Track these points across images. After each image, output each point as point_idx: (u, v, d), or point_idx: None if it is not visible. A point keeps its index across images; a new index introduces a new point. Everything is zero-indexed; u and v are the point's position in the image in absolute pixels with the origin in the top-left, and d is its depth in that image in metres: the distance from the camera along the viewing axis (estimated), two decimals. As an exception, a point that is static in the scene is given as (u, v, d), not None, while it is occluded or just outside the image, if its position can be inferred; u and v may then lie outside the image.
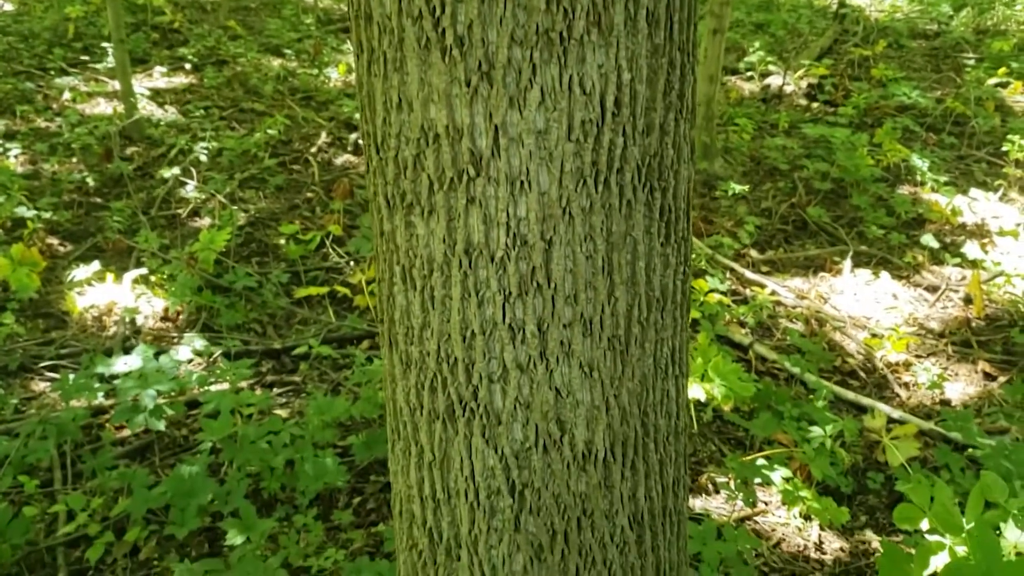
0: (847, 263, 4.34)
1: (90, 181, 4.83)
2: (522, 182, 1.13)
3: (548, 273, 1.17)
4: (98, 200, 4.72)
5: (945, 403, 3.36)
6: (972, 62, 7.80)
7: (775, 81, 7.11)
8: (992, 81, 6.87)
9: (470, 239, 1.16)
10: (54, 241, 4.25)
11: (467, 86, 1.09)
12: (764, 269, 4.34)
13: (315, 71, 7.14)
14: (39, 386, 3.19)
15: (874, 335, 3.74)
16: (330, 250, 4.24)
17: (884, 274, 4.24)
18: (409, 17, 1.08)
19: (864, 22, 9.28)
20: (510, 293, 1.18)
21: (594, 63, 1.09)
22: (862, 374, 3.52)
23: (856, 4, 10.02)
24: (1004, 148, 5.41)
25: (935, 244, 4.49)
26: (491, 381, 1.23)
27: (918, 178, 5.22)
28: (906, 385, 3.47)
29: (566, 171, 1.13)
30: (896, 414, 3.15)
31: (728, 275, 4.16)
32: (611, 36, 1.08)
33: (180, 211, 4.59)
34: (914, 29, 9.18)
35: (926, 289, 4.21)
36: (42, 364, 3.27)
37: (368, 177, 1.28)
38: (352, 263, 4.14)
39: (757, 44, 7.92)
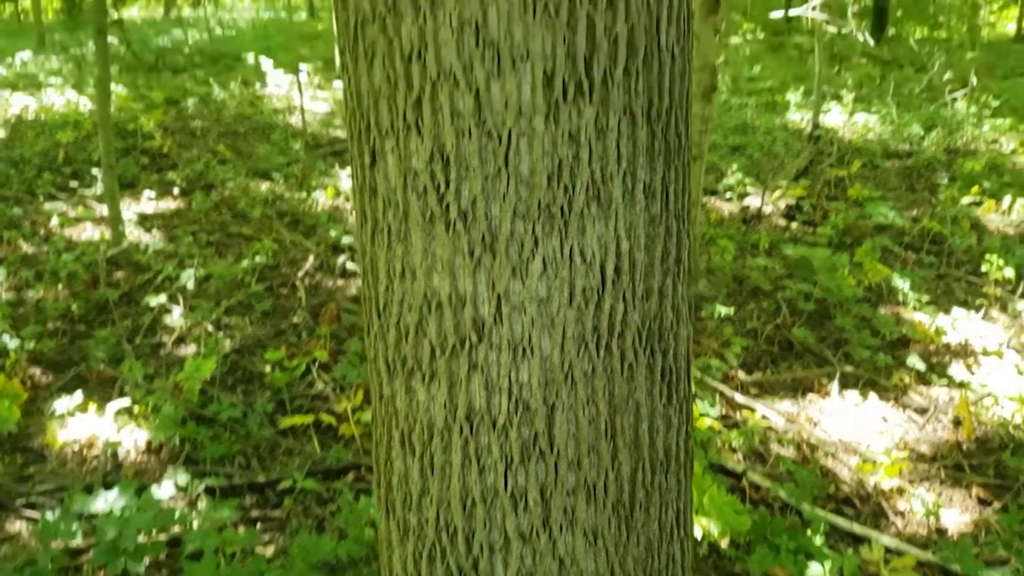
0: (835, 385, 4.34)
1: (75, 308, 4.81)
2: (524, 348, 1.13)
3: (551, 438, 1.16)
4: (83, 328, 4.70)
5: (941, 532, 3.31)
6: (945, 181, 8.01)
7: (754, 202, 7.26)
8: (966, 200, 7.05)
9: (472, 405, 1.16)
10: (36, 371, 4.20)
11: (470, 257, 1.10)
12: (752, 391, 4.34)
13: (303, 195, 7.23)
14: (15, 526, 3.10)
15: (866, 460, 3.71)
16: (316, 377, 4.20)
17: (872, 396, 4.24)
18: (414, 192, 1.10)
19: (838, 143, 9.56)
20: (512, 460, 1.16)
21: (594, 234, 1.11)
22: (856, 501, 3.48)
23: (830, 126, 10.35)
24: (983, 268, 5.50)
25: (921, 365, 4.51)
26: (492, 551, 1.20)
27: (900, 298, 5.28)
28: (901, 513, 3.42)
29: (568, 337, 1.13)
30: (893, 544, 3.09)
31: (718, 398, 4.14)
32: (610, 209, 1.11)
33: (166, 339, 4.56)
34: (887, 149, 9.46)
35: (915, 411, 4.21)
36: (19, 501, 3.18)
37: (368, 340, 1.28)
38: (338, 389, 4.11)
39: (735, 166, 8.12)
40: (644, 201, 1.12)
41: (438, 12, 1.09)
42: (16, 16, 15.14)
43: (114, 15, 14.49)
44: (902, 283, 5.31)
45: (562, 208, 1.07)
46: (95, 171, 7.31)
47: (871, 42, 10.01)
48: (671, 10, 1.17)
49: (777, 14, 9.68)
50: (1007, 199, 7.06)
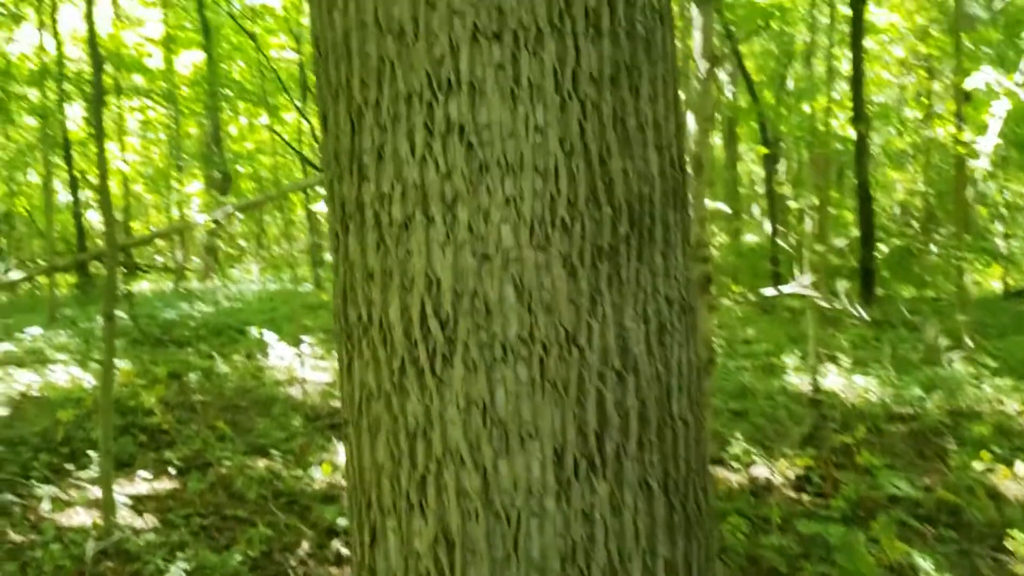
0: None
1: (55, 609, 4.55)
2: None
3: None
4: (61, 632, 4.42)
5: None
6: (954, 446, 7.90)
7: (761, 472, 7.11)
8: (978, 466, 6.91)
9: None
10: None
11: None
12: None
13: (300, 472, 7.10)
14: None
15: None
16: None
17: None
18: (416, 588, 1.02)
19: (840, 407, 9.54)
20: None
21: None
22: None
23: (829, 389, 10.37)
24: (1007, 543, 5.28)
25: (958, 660, 4.20)
26: None
27: (925, 579, 5.02)
28: None
29: None
30: None
31: None
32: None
33: (148, 644, 4.28)
34: (890, 412, 9.42)
35: None
36: None
37: None
38: None
39: (738, 434, 8.04)
40: (666, 587, 1.05)
41: (444, 391, 1.08)
42: (31, 291, 15.64)
43: (125, 289, 14.98)
44: (924, 563, 5.07)
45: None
46: (92, 453, 7.21)
47: (864, 315, 10.28)
48: (681, 378, 1.15)
49: (769, 292, 9.97)
50: (1020, 465, 6.92)
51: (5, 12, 15.18)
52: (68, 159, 16.74)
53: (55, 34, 15.68)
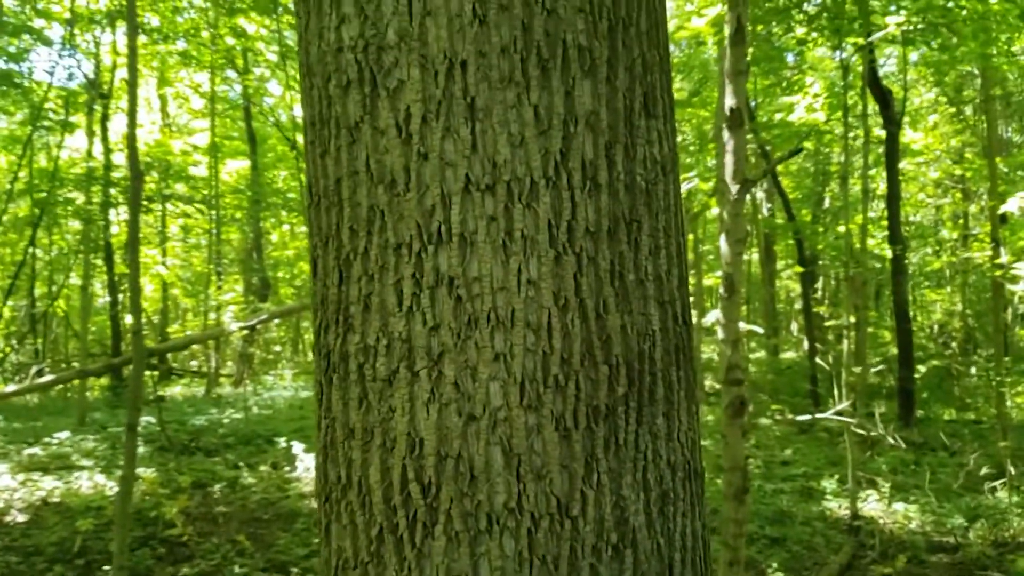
0: None
1: None
2: None
3: None
4: None
5: None
6: (1000, 586, 7.49)
7: (796, 611, 6.76)
8: (1028, 613, 6.51)
9: None
10: None
11: None
12: None
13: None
14: None
15: None
16: None
17: None
18: None
19: (880, 535, 9.14)
20: None
21: None
22: None
23: (868, 515, 9.97)
24: None
25: None
26: None
27: None
28: None
29: None
30: None
31: None
32: None
33: None
34: (931, 542, 9.01)
35: None
36: None
37: None
38: None
39: (775, 564, 7.70)
40: None
41: (424, 564, 0.99)
42: (63, 393, 15.74)
43: (156, 394, 15.02)
44: None
45: None
46: (107, 568, 7.07)
47: (901, 444, 9.96)
48: (685, 552, 1.05)
49: (806, 417, 9.75)
50: (1072, 612, 6.50)
51: (56, 120, 15.76)
52: (109, 261, 17.10)
53: (104, 139, 16.24)
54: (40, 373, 14.42)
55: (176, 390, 16.70)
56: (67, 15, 15.16)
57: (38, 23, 17.07)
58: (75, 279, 17.35)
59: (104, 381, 16.43)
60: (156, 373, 16.51)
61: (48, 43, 17.20)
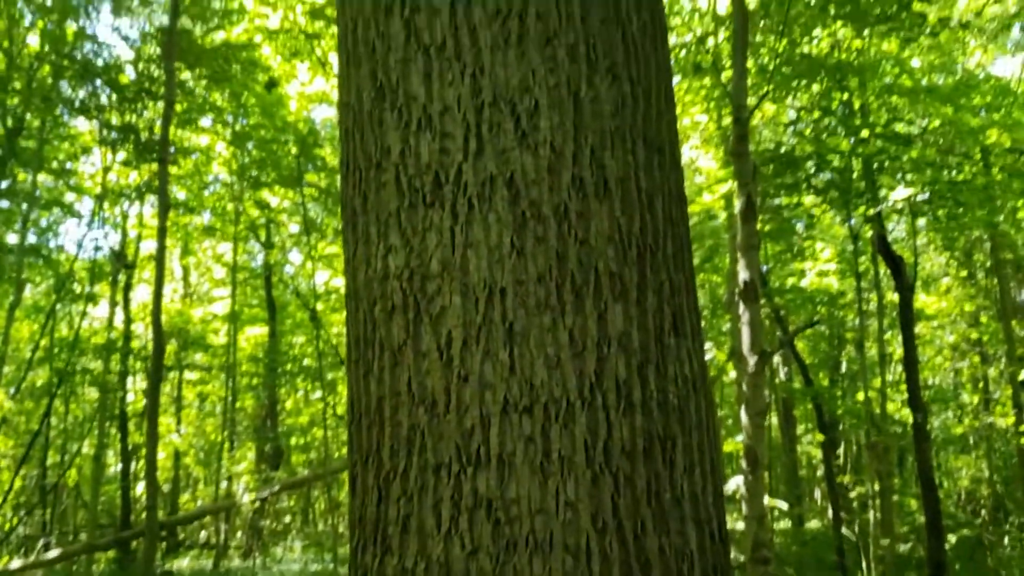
0: None
1: None
2: None
3: None
4: None
5: None
6: None
7: None
8: None
9: None
10: None
11: None
12: None
13: None
14: None
15: None
16: None
17: None
18: None
19: None
20: None
21: None
22: None
23: None
24: None
25: None
26: None
27: None
28: None
29: None
30: None
31: None
32: None
33: None
34: None
35: None
36: None
37: None
38: None
39: None
40: None
41: None
42: (68, 566, 15.37)
43: (163, 567, 14.67)
44: None
45: None
46: None
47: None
48: None
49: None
50: None
51: (81, 292, 16.12)
52: (123, 430, 17.04)
53: (126, 308, 16.53)
54: (47, 547, 14.13)
55: (184, 562, 16.29)
56: (98, 190, 15.77)
57: (69, 197, 17.79)
58: (87, 448, 17.26)
59: (111, 553, 16.05)
60: (164, 544, 16.14)
61: (78, 216, 17.86)
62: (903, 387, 15.24)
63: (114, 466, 19.70)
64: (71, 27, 13.11)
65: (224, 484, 19.49)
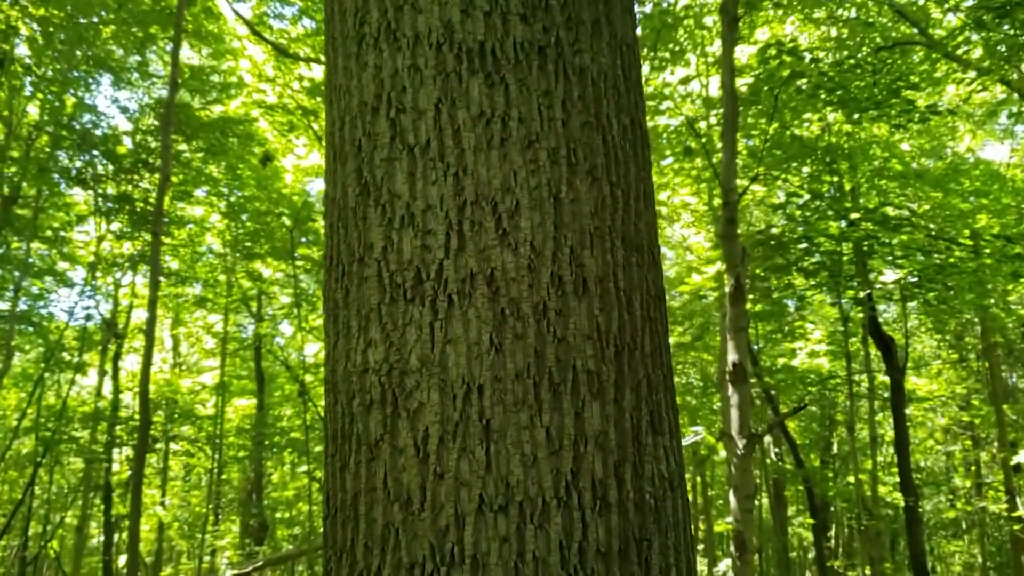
0: None
1: None
2: None
3: None
4: None
5: None
6: None
7: None
8: None
9: None
10: None
11: None
12: None
13: None
14: None
15: None
16: None
17: None
18: None
19: None
20: None
21: None
22: None
23: None
24: None
25: None
26: None
27: None
28: None
29: None
30: None
31: None
32: None
33: None
34: None
35: None
36: None
37: None
38: None
39: None
40: None
41: None
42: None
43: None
44: None
45: None
46: None
47: None
48: None
49: None
50: None
51: (70, 360, 16.01)
52: (107, 501, 16.76)
53: (115, 377, 16.42)
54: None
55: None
56: (91, 259, 15.81)
57: (62, 265, 17.79)
58: (71, 518, 16.95)
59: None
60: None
61: (70, 285, 17.85)
62: (894, 469, 15.15)
63: (96, 537, 19.32)
64: (71, 98, 13.29)
65: (208, 558, 19.11)
